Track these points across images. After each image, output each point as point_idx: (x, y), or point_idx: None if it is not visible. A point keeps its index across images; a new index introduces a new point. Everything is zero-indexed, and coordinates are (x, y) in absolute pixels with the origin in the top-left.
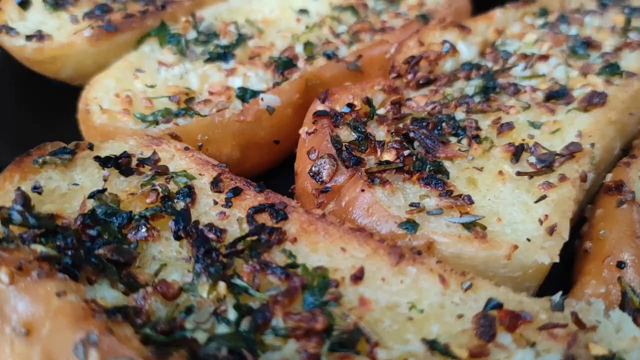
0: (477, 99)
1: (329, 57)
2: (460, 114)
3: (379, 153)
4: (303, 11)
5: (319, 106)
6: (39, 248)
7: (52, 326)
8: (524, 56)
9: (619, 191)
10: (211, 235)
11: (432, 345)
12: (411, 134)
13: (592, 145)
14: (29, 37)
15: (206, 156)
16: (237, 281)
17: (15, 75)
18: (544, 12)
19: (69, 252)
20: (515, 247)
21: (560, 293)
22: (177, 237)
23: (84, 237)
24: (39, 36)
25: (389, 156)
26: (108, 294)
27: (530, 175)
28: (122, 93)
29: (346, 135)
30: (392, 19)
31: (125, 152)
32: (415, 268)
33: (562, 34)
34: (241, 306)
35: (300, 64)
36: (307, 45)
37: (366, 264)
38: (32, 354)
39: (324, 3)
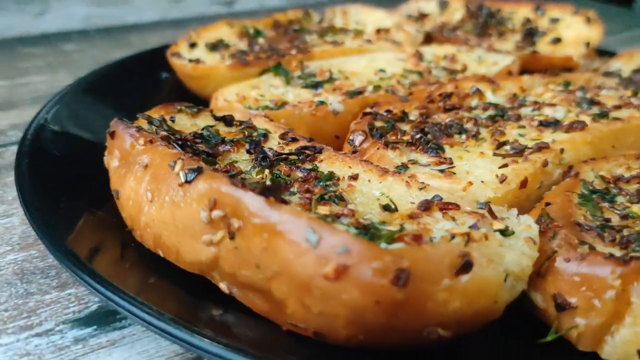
0: (485, 120)
1: (388, 92)
2: (468, 125)
3: (399, 136)
4: (381, 70)
5: (367, 110)
6: (164, 132)
7: (162, 160)
8: (535, 102)
9: (568, 172)
10: (269, 153)
11: (385, 207)
12: (426, 129)
13: (562, 150)
14: (190, 60)
15: (282, 125)
16: (277, 172)
17: (178, 93)
18: (567, 84)
19: (180, 143)
20: (471, 183)
21: (486, 199)
22: (249, 152)
23: (191, 143)
24: (197, 61)
25: (405, 138)
26: None
27: (503, 156)
28: (240, 94)
29: (380, 126)
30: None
31: (231, 114)
32: (393, 178)
33: (575, 95)
34: (275, 180)
35: (367, 93)
36: (376, 87)
37: (361, 173)
38: (145, 174)
39: (399, 67)
